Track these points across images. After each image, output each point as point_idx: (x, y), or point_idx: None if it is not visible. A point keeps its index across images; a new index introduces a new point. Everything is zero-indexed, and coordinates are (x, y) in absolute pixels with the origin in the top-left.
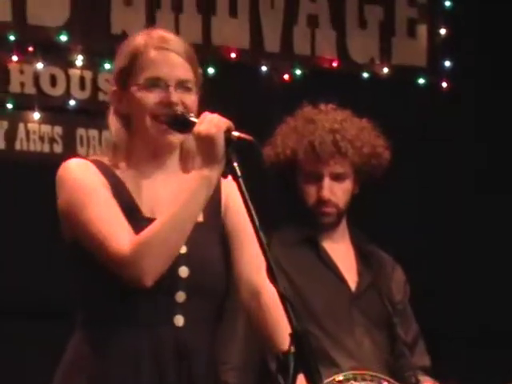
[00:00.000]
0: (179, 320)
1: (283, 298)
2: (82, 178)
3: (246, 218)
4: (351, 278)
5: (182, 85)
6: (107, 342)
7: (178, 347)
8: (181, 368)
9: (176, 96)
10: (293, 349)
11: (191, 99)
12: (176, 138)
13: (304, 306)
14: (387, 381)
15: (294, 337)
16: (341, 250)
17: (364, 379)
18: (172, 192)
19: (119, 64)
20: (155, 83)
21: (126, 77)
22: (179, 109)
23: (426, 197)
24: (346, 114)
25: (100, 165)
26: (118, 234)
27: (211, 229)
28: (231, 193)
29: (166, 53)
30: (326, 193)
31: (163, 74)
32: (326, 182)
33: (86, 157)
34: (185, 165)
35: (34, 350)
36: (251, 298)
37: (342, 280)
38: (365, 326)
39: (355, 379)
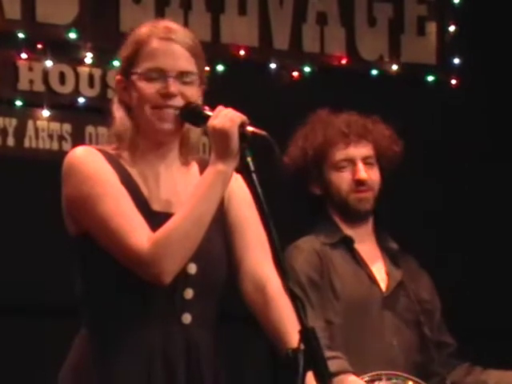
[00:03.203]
0: (187, 318)
1: (292, 294)
2: (95, 167)
3: (250, 211)
4: (381, 278)
5: (182, 77)
6: (117, 339)
7: (188, 345)
8: (190, 366)
9: (175, 87)
10: (302, 346)
11: (192, 92)
12: (172, 125)
13: (339, 304)
14: (413, 380)
15: (304, 334)
16: (370, 251)
17: (389, 379)
18: (179, 183)
19: (124, 53)
20: (156, 74)
21: (128, 66)
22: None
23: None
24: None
25: (106, 154)
26: (136, 230)
27: (215, 223)
28: (234, 185)
29: (169, 43)
30: (363, 174)
31: (164, 65)
32: (360, 164)
33: (91, 145)
34: (184, 157)
35: (36, 348)
36: (256, 291)
37: (374, 281)
38: (395, 325)
39: (380, 379)
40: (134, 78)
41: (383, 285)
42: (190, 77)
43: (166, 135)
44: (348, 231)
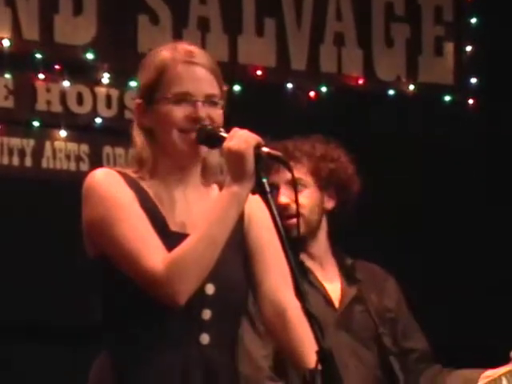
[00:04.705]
0: (205, 338)
1: (310, 316)
2: (113, 190)
3: (270, 234)
4: (336, 296)
5: (209, 99)
6: (136, 361)
7: (206, 366)
8: None
9: (203, 111)
10: (319, 367)
11: (217, 113)
12: (203, 149)
13: None
14: None
15: (321, 355)
16: (325, 269)
17: None
18: (195, 206)
19: (146, 78)
20: (183, 98)
21: (152, 91)
22: (209, 124)
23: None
24: None
25: (126, 176)
26: (151, 252)
27: (234, 245)
28: (254, 208)
29: (193, 67)
30: (282, 198)
31: (191, 89)
32: (282, 189)
33: (111, 167)
34: (206, 180)
35: (57, 371)
36: (275, 315)
37: (329, 302)
38: (351, 345)
39: None
40: (160, 102)
41: (337, 303)
42: (214, 99)
43: (186, 157)
44: (302, 254)
